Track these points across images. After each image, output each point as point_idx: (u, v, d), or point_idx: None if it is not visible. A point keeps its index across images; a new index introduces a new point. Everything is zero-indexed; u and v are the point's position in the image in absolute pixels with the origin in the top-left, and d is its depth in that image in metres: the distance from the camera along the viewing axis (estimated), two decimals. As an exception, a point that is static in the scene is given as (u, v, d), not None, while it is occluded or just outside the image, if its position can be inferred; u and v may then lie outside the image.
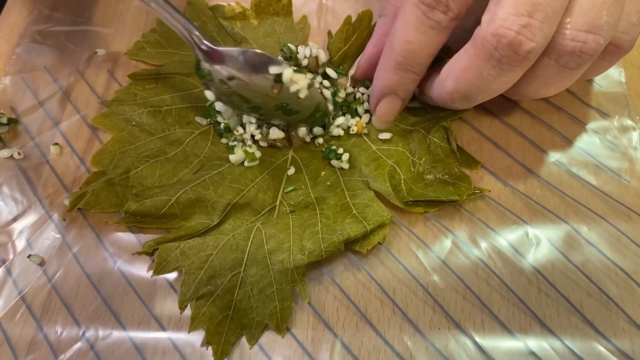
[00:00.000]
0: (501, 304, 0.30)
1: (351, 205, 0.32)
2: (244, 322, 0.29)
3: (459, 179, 0.33)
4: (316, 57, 0.36)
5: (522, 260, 0.31)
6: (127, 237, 0.33)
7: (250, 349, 0.29)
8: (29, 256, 0.33)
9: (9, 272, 0.32)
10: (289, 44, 0.36)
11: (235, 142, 0.35)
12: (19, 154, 0.37)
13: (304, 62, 0.36)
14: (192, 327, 0.29)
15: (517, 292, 0.30)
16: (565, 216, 0.32)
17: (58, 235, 0.33)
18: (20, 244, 0.33)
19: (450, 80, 0.30)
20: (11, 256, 0.33)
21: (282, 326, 0.29)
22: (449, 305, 0.30)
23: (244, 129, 0.35)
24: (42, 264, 0.33)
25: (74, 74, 0.40)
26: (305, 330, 0.30)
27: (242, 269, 0.30)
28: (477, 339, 0.29)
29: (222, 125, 0.35)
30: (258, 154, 0.35)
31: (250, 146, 0.35)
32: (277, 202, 0.33)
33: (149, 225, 0.33)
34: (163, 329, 0.30)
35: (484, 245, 0.31)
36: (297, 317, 0.30)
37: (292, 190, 0.34)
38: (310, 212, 0.32)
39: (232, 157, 0.34)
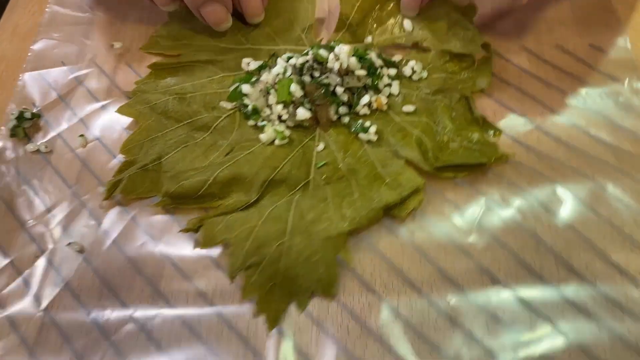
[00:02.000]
0: (536, 257, 0.31)
1: (383, 174, 0.33)
2: (292, 289, 0.30)
3: (483, 145, 0.34)
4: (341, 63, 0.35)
5: (553, 216, 0.32)
6: (163, 219, 0.34)
7: (299, 315, 0.30)
8: (68, 244, 0.33)
9: (50, 261, 0.32)
10: (320, 51, 0.36)
11: (265, 122, 0.36)
12: (45, 147, 0.37)
13: (335, 66, 0.35)
14: (244, 295, 0.30)
15: (552, 246, 0.31)
16: (590, 173, 0.33)
17: (94, 222, 0.34)
18: (57, 233, 0.33)
19: None
20: (50, 245, 0.33)
21: (329, 291, 0.30)
22: (488, 263, 0.31)
23: (271, 109, 0.36)
24: (81, 251, 0.33)
25: (92, 68, 0.41)
26: (351, 295, 0.30)
27: (287, 238, 0.31)
28: (518, 292, 0.30)
29: (249, 107, 0.36)
30: (287, 132, 0.35)
31: (279, 125, 0.35)
32: (311, 177, 0.34)
33: (188, 206, 0.33)
34: (211, 304, 0.31)
35: (515, 204, 0.32)
36: (343, 283, 0.31)
37: (323, 164, 0.34)
38: (345, 182, 0.33)
39: (262, 136, 0.35)
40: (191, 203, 0.33)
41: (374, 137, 0.35)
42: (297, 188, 0.33)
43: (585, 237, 0.31)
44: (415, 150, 0.33)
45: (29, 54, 0.42)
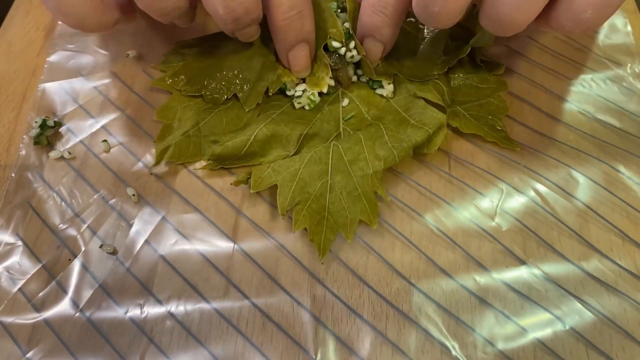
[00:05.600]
0: (557, 237, 0.32)
1: (407, 117, 0.35)
2: (339, 221, 0.32)
3: (492, 82, 0.37)
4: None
5: (571, 198, 0.33)
6: (193, 218, 0.34)
7: (349, 242, 0.32)
8: (101, 246, 0.33)
9: (83, 264, 0.33)
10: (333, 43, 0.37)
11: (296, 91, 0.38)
12: (69, 153, 0.37)
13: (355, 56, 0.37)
14: (295, 227, 0.32)
15: (571, 226, 0.32)
16: (601, 157, 0.35)
17: (124, 224, 0.34)
18: (88, 236, 0.34)
19: None
20: (82, 249, 0.34)
21: (373, 219, 0.32)
22: (512, 244, 0.32)
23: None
24: (114, 252, 0.33)
25: (110, 77, 0.42)
26: (383, 283, 0.32)
27: (329, 177, 0.34)
28: (542, 270, 0.31)
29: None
30: (318, 99, 0.38)
31: (313, 94, 0.38)
32: (341, 129, 0.37)
33: (232, 166, 0.36)
34: (246, 296, 0.31)
35: (533, 187, 0.34)
36: (374, 271, 0.32)
37: (351, 117, 0.37)
38: (374, 128, 0.35)
39: (297, 103, 0.38)
40: (235, 163, 0.36)
41: (391, 94, 0.37)
42: (330, 139, 0.36)
43: (602, 216, 0.33)
44: (433, 92, 0.36)
45: (45, 66, 0.42)
